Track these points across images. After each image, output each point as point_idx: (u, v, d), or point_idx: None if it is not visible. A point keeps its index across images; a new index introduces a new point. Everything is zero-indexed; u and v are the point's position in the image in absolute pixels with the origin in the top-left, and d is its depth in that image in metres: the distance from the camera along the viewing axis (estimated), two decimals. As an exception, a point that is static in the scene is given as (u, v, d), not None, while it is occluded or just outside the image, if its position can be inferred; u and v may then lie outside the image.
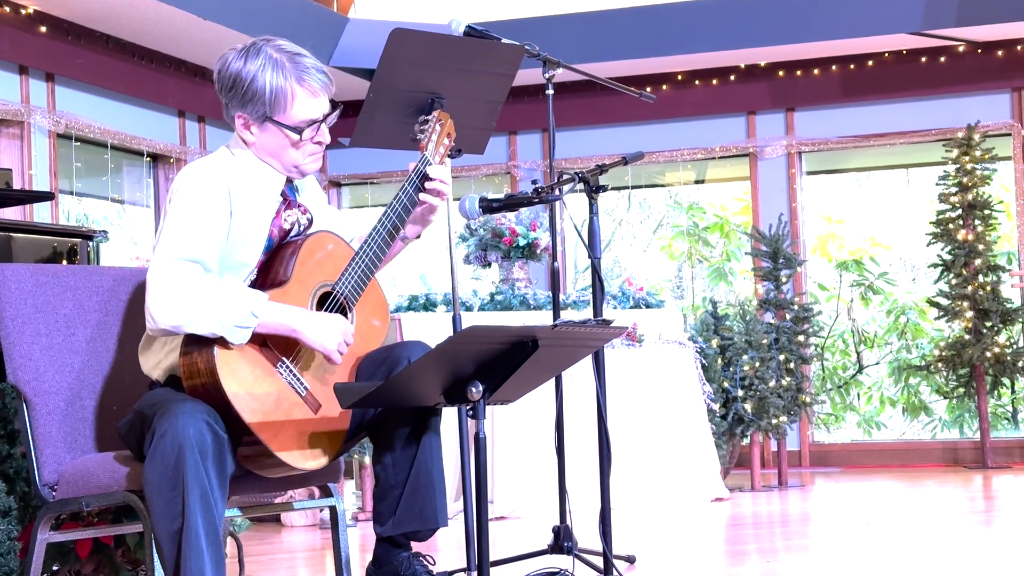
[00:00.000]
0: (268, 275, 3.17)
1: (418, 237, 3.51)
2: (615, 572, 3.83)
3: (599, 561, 4.13)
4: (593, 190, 3.89)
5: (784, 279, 8.25)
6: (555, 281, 4.59)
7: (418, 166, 3.39)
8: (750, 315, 7.99)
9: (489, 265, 7.64)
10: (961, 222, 8.92)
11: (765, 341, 7.76)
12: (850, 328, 11.09)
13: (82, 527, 3.51)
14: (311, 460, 3.08)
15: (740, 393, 7.61)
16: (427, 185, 3.37)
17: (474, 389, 2.85)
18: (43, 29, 7.76)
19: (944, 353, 8.97)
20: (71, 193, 8.33)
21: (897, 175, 11.40)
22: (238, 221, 3.13)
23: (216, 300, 2.95)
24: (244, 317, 2.96)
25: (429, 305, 7.27)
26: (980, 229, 8.88)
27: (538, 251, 7.46)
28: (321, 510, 6.23)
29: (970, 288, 8.81)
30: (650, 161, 9.83)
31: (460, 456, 4.38)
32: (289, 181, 3.29)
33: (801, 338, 8.12)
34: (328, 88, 3.25)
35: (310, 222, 3.32)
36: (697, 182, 10.55)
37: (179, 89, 8.96)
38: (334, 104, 3.29)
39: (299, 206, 3.30)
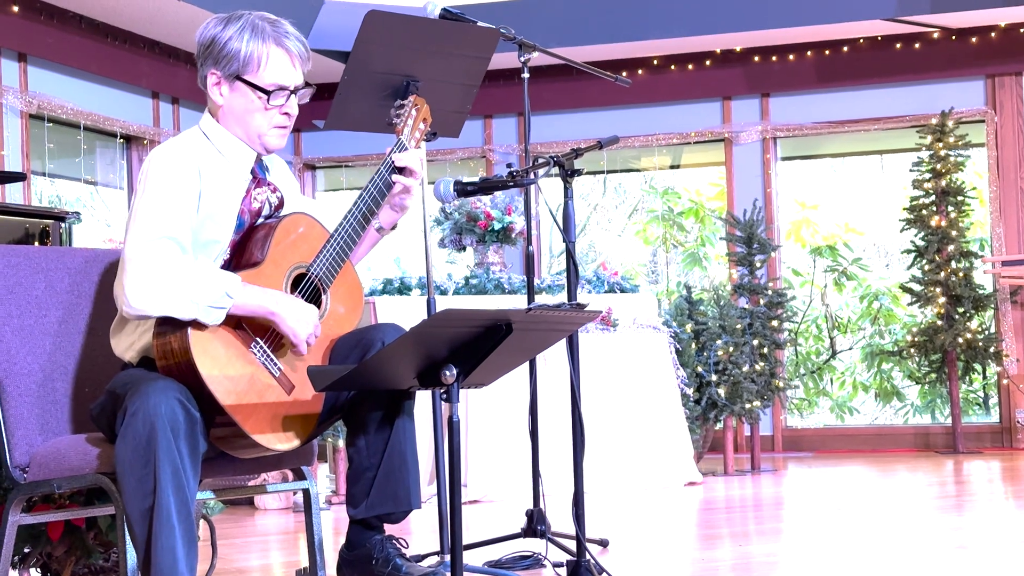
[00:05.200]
0: (243, 256, 3.16)
1: (394, 228, 3.51)
2: (588, 555, 3.84)
3: (572, 545, 4.14)
4: (568, 174, 3.89)
5: (758, 264, 8.27)
6: (530, 265, 4.59)
7: (393, 150, 3.40)
8: (724, 300, 8.00)
9: (464, 249, 7.63)
10: (934, 208, 8.96)
11: (739, 326, 7.78)
12: (823, 313, 11.13)
13: (54, 509, 3.49)
14: (284, 442, 3.07)
15: (714, 378, 7.62)
16: (398, 165, 3.38)
17: (448, 372, 2.84)
18: (15, 9, 7.69)
19: (916, 339, 9.02)
20: (43, 174, 8.27)
21: (871, 161, 11.44)
22: (208, 198, 3.13)
23: (191, 281, 2.94)
24: (218, 297, 2.95)
25: (403, 289, 7.25)
26: (953, 215, 8.92)
27: (513, 235, 7.45)
28: (294, 493, 6.22)
29: (943, 274, 8.86)
30: (625, 146, 9.84)
31: (434, 439, 4.39)
32: (259, 159, 3.28)
33: (775, 323, 8.14)
34: (305, 59, 3.26)
35: (280, 200, 3.32)
36: (672, 167, 10.56)
37: (153, 70, 8.90)
38: (309, 84, 3.28)
39: (268, 184, 3.30)
